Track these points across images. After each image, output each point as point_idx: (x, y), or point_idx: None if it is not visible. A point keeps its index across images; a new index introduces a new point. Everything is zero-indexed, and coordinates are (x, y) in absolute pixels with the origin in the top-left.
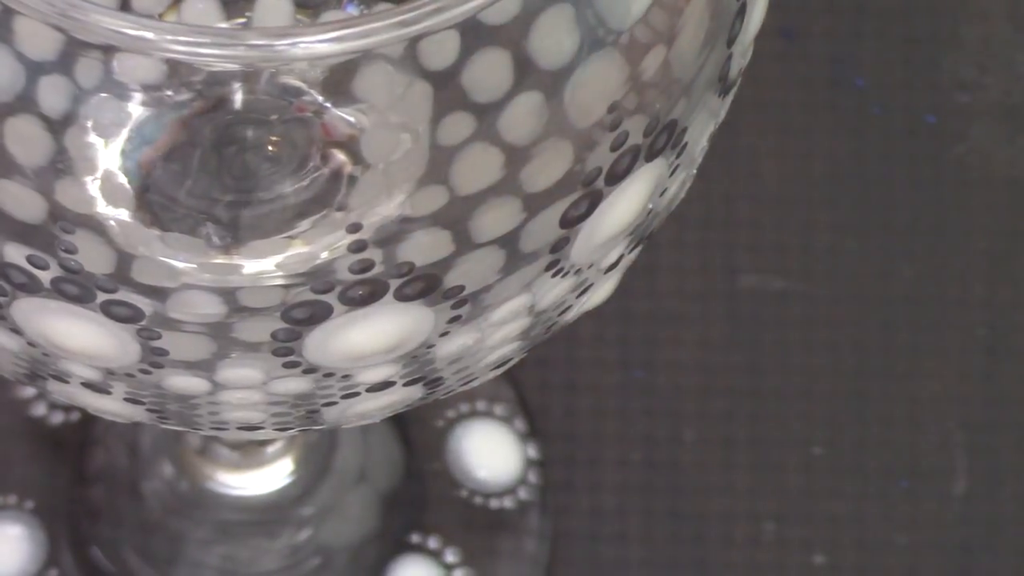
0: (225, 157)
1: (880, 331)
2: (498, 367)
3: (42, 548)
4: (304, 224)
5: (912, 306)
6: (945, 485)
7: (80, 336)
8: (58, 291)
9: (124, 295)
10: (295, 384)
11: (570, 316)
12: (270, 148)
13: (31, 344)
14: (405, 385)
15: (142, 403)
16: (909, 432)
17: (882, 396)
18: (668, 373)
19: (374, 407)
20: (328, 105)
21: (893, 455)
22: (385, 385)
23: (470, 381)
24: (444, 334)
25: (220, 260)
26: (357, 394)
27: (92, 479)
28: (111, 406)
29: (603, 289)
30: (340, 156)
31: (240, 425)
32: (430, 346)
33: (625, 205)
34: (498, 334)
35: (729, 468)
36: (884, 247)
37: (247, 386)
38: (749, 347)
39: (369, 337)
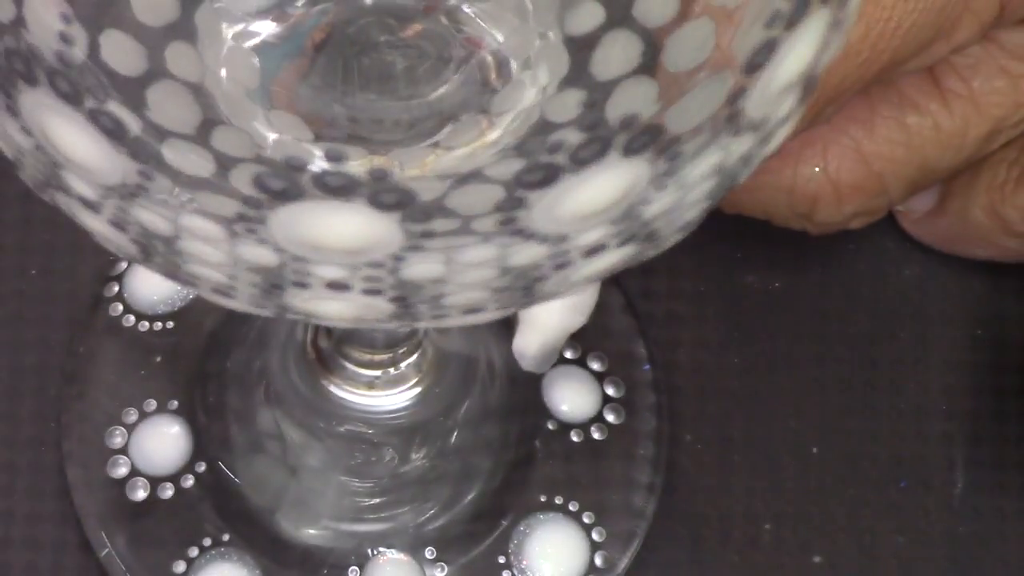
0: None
1: (879, 330)
2: (685, 229)
3: (189, 443)
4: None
5: (911, 305)
6: (944, 485)
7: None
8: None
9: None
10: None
11: (745, 174)
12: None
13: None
14: (619, 246)
15: (381, 294)
16: (907, 432)
17: (880, 397)
18: (666, 373)
19: (591, 272)
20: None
21: (891, 455)
22: (600, 248)
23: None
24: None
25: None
26: (572, 262)
27: (227, 383)
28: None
29: (777, 140)
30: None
31: (466, 309)
32: (646, 202)
33: (797, 53)
34: (694, 192)
35: (727, 468)
36: (884, 247)
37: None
38: (747, 347)
39: (593, 196)
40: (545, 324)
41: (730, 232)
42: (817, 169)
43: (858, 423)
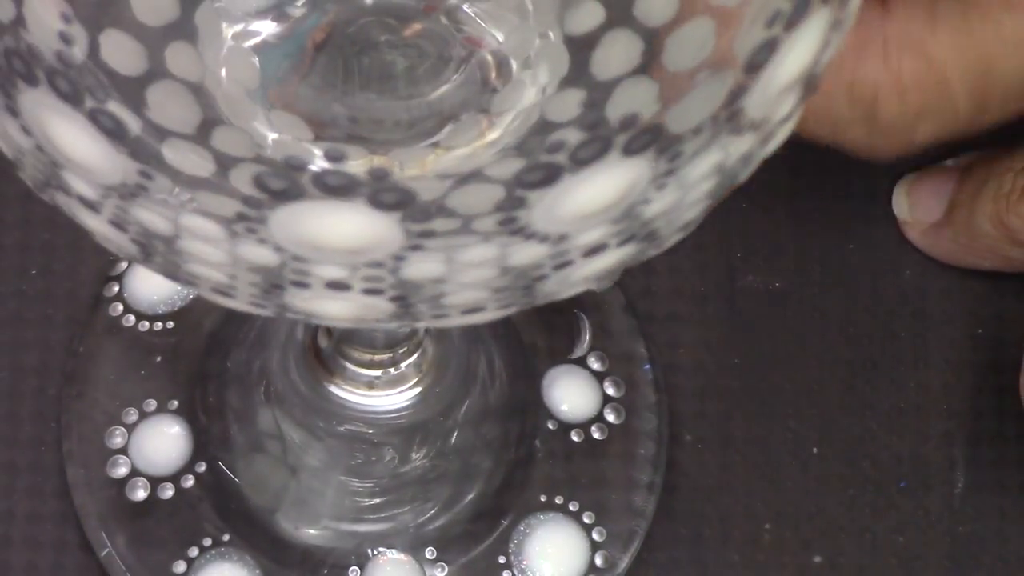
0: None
1: (877, 332)
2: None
3: (189, 443)
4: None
5: (911, 305)
6: (944, 484)
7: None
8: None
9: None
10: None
11: (746, 174)
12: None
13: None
14: (619, 245)
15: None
16: (907, 432)
17: (880, 396)
18: (666, 373)
19: (591, 272)
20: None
21: (891, 454)
22: (600, 248)
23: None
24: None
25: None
26: (572, 262)
27: (227, 383)
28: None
29: (777, 140)
30: None
31: (466, 309)
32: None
33: (797, 52)
34: (694, 192)
35: (727, 468)
36: (884, 247)
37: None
38: (747, 347)
39: (594, 196)
40: None
41: (730, 232)
42: (878, 59)
43: (858, 423)
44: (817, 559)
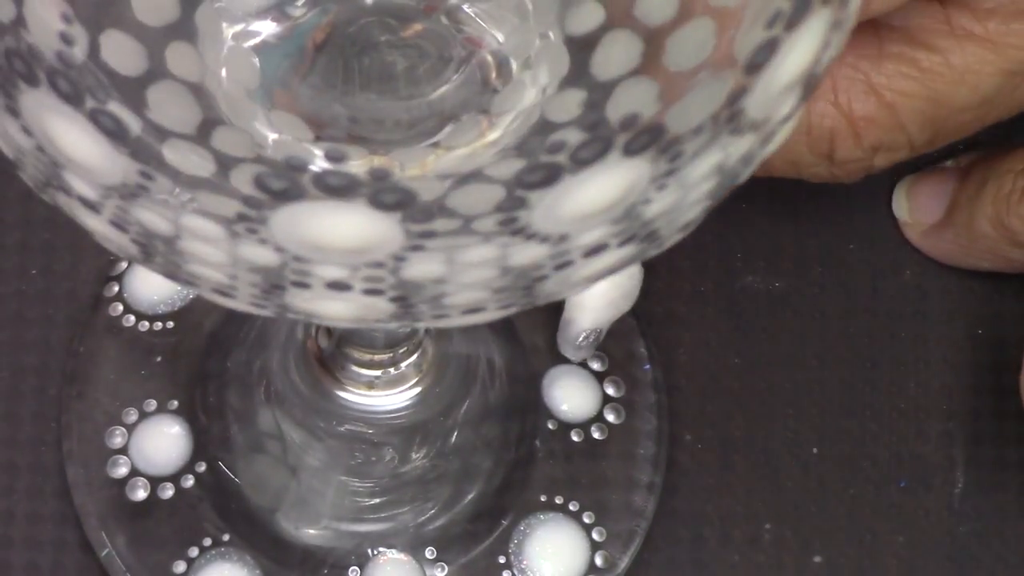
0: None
1: (877, 332)
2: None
3: (189, 443)
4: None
5: (911, 305)
6: (943, 485)
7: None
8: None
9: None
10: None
11: (746, 174)
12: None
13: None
14: (619, 246)
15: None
16: (907, 432)
17: (880, 396)
18: (666, 373)
19: (591, 272)
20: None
21: (891, 455)
22: (600, 248)
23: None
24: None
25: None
26: (573, 262)
27: (228, 383)
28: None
29: (778, 140)
30: None
31: (466, 309)
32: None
33: (798, 53)
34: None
35: (727, 468)
36: (884, 247)
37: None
38: (747, 347)
39: (594, 196)
40: (593, 310)
41: (730, 232)
42: (830, 104)
43: (858, 423)
44: (817, 559)
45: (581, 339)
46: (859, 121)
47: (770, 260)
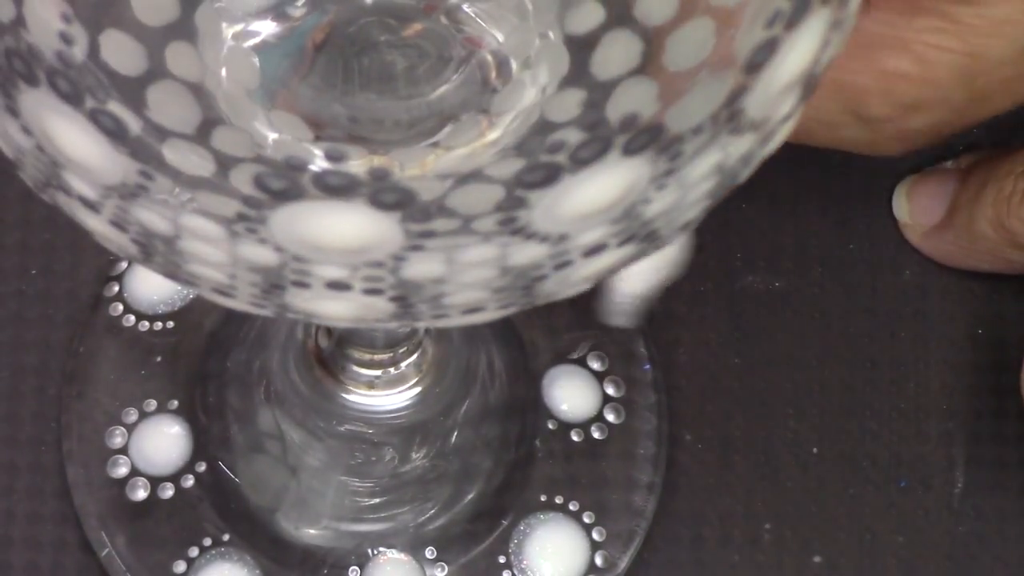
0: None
1: (877, 332)
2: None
3: (189, 443)
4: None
5: (911, 305)
6: (943, 485)
7: None
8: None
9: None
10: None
11: (746, 174)
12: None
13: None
14: (619, 245)
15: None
16: (907, 432)
17: (880, 396)
18: (666, 373)
19: (591, 272)
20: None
21: (891, 454)
22: (600, 248)
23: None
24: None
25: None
26: (572, 262)
27: (228, 382)
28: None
29: (777, 140)
30: None
31: (466, 309)
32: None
33: (798, 52)
34: (694, 192)
35: (727, 468)
36: (884, 247)
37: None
38: (747, 347)
39: (594, 196)
40: (637, 274)
41: (730, 232)
42: (861, 60)
43: (858, 423)
44: (817, 559)
45: (620, 302)
46: (891, 76)
47: (770, 260)
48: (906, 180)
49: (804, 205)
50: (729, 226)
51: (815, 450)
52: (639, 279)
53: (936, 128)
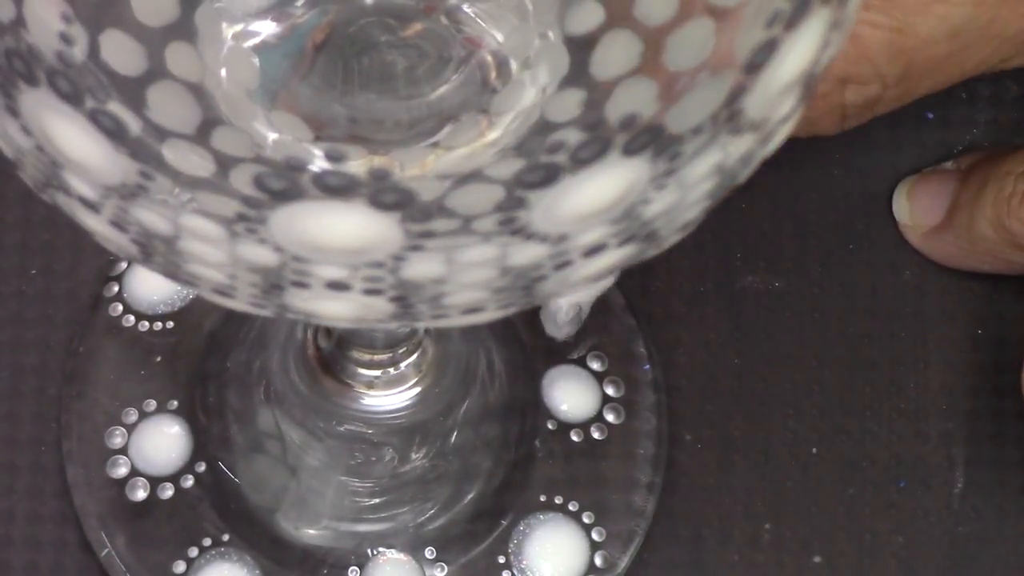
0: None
1: (877, 332)
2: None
3: (189, 443)
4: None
5: (911, 305)
6: (943, 486)
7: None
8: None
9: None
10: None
11: (745, 174)
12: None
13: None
14: (619, 245)
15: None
16: (906, 433)
17: (879, 397)
18: (666, 373)
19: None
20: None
21: (890, 455)
22: (600, 248)
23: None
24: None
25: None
26: (572, 262)
27: (227, 383)
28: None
29: (777, 140)
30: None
31: (465, 309)
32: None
33: (797, 52)
34: (694, 192)
35: (727, 468)
36: (884, 247)
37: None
38: (747, 347)
39: (593, 196)
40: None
41: (730, 232)
42: None
43: (858, 423)
44: (816, 559)
45: (562, 316)
46: None
47: (770, 260)
48: (906, 181)
49: (804, 205)
50: (729, 226)
51: (815, 450)
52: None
53: (869, 103)
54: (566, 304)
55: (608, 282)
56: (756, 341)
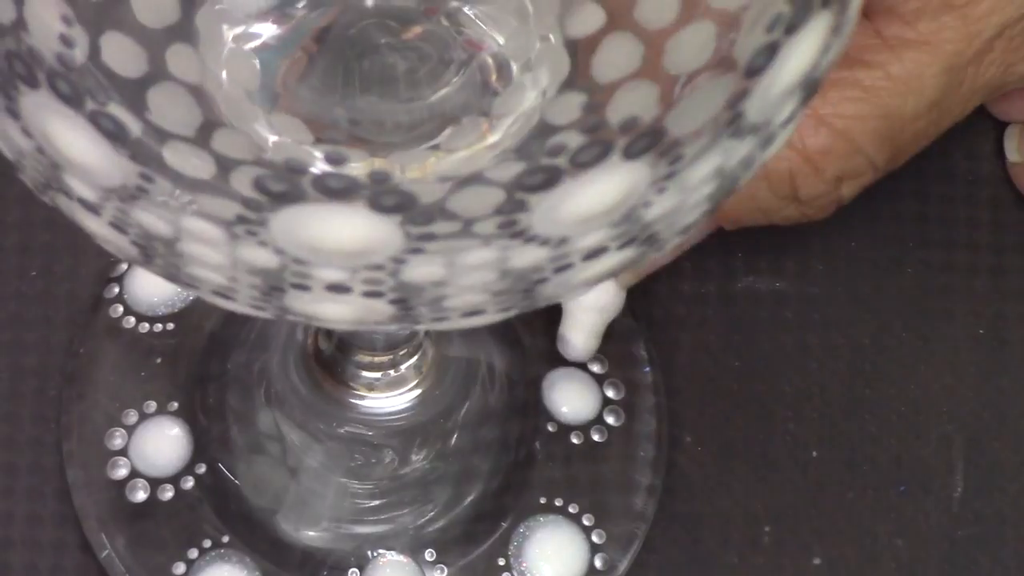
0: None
1: (878, 333)
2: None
3: (189, 445)
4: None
5: (912, 305)
6: (942, 488)
7: None
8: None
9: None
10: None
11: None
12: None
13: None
14: (619, 248)
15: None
16: (907, 435)
17: (880, 399)
18: (666, 375)
19: (591, 275)
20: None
21: (890, 458)
22: (600, 251)
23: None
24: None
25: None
26: (572, 265)
27: (227, 384)
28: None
29: (778, 143)
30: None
31: (466, 312)
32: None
33: (798, 56)
34: (694, 195)
35: (727, 470)
36: (884, 247)
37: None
38: (746, 350)
39: (594, 199)
40: (591, 309)
41: (730, 233)
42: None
43: (858, 425)
44: (816, 561)
45: (583, 340)
46: (815, 156)
47: (770, 261)
48: (1016, 124)
49: None
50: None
51: (815, 453)
52: (597, 313)
53: (863, 188)
54: (580, 347)
55: (619, 303)
56: (756, 343)
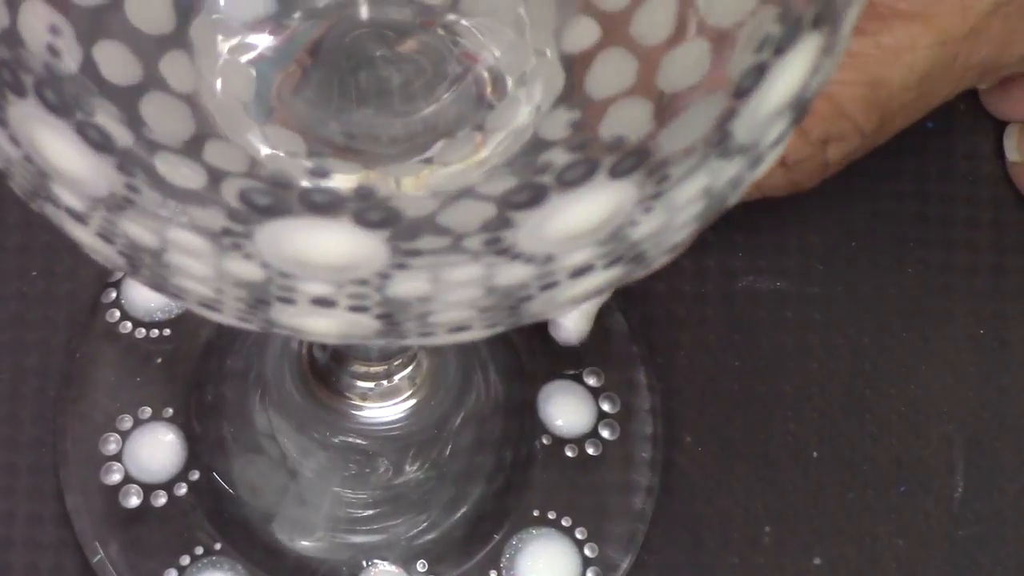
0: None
1: (878, 333)
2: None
3: (183, 451)
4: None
5: (912, 305)
6: (943, 489)
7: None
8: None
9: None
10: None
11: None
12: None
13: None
14: (606, 267)
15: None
16: (907, 435)
17: (880, 399)
18: (666, 375)
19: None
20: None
21: (891, 458)
22: (586, 269)
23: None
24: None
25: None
26: (559, 283)
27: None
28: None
29: (766, 163)
30: None
31: (452, 327)
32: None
33: (787, 78)
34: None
35: (727, 470)
36: (884, 247)
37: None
38: (747, 350)
39: (580, 217)
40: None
41: (730, 233)
42: None
43: (858, 425)
44: (817, 561)
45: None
46: None
47: (770, 261)
48: (1015, 124)
49: (806, 204)
50: (730, 226)
51: (815, 453)
52: (573, 323)
53: (849, 156)
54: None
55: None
56: (756, 343)
